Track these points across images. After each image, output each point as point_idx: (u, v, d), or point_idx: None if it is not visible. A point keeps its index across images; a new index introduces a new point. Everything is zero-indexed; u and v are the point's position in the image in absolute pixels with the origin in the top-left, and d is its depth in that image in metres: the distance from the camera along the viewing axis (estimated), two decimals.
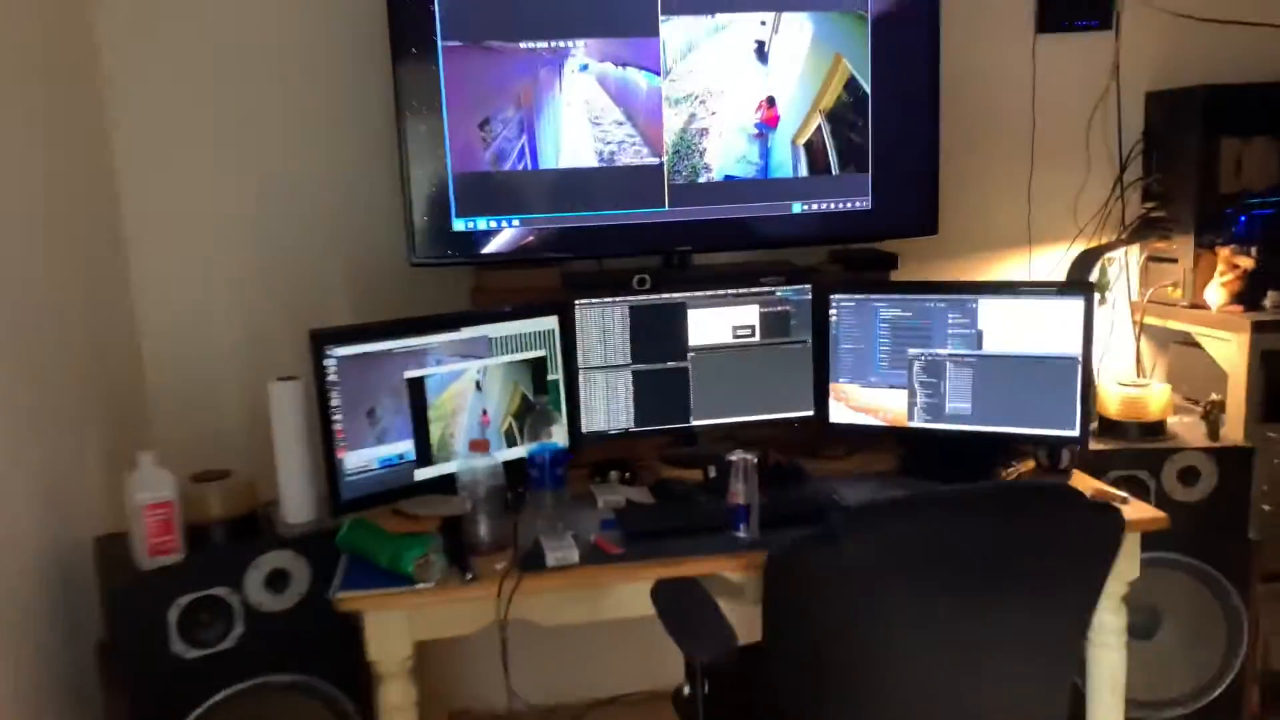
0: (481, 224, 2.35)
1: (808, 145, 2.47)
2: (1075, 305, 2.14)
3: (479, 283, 2.42)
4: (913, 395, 2.27)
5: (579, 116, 2.35)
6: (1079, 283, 2.50)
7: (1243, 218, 2.65)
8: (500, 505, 1.92)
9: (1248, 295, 2.57)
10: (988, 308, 2.21)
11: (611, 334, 2.27)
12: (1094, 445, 2.30)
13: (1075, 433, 2.16)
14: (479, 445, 1.91)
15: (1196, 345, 2.69)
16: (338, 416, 1.93)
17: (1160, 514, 1.97)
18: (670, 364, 2.30)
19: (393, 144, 2.31)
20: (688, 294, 2.30)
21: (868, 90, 2.46)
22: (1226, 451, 2.34)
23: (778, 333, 2.34)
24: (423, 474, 2.04)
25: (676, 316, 2.30)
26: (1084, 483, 2.17)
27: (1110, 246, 2.65)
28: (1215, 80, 2.61)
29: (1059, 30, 2.74)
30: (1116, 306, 2.82)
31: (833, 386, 2.34)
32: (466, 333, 2.08)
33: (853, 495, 2.08)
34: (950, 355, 2.24)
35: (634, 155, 2.38)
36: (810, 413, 2.36)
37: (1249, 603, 2.36)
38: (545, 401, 2.06)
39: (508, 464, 2.05)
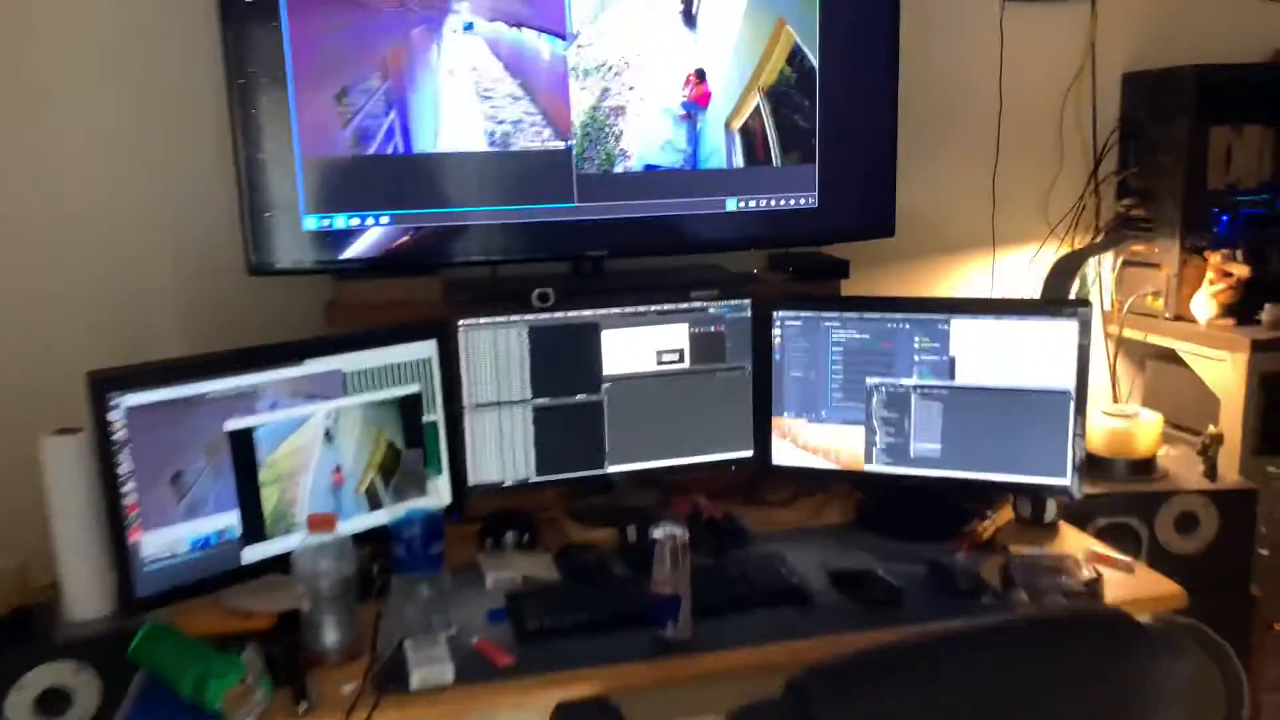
0: (340, 221, 1.87)
1: (744, 130, 2.04)
2: (1067, 328, 1.77)
3: (338, 296, 1.93)
4: (871, 434, 1.89)
5: (463, 88, 1.88)
6: (1072, 301, 2.14)
7: (1225, 217, 2.33)
8: (352, 598, 1.47)
9: (1240, 308, 2.25)
10: (962, 330, 1.83)
11: (506, 362, 1.82)
12: None
13: (1065, 481, 1.80)
14: (321, 522, 1.45)
15: (1178, 362, 2.37)
16: (129, 485, 1.44)
17: (1175, 588, 1.62)
18: (580, 398, 1.87)
19: (225, 121, 1.81)
20: (601, 311, 1.86)
21: (815, 63, 2.05)
22: (1228, 495, 2.01)
23: (711, 357, 1.92)
24: (253, 553, 1.57)
25: (588, 339, 1.86)
26: (1073, 540, 1.82)
27: (1092, 250, 2.30)
28: (1198, 60, 2.28)
29: None
30: None
31: (776, 422, 1.94)
32: (312, 366, 1.61)
33: (802, 563, 1.69)
34: (916, 386, 1.85)
35: (533, 138, 1.93)
36: (749, 453, 1.96)
37: (1250, 667, 2.04)
38: (418, 456, 1.61)
39: (373, 533, 1.61)
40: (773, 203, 2.09)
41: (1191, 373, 2.31)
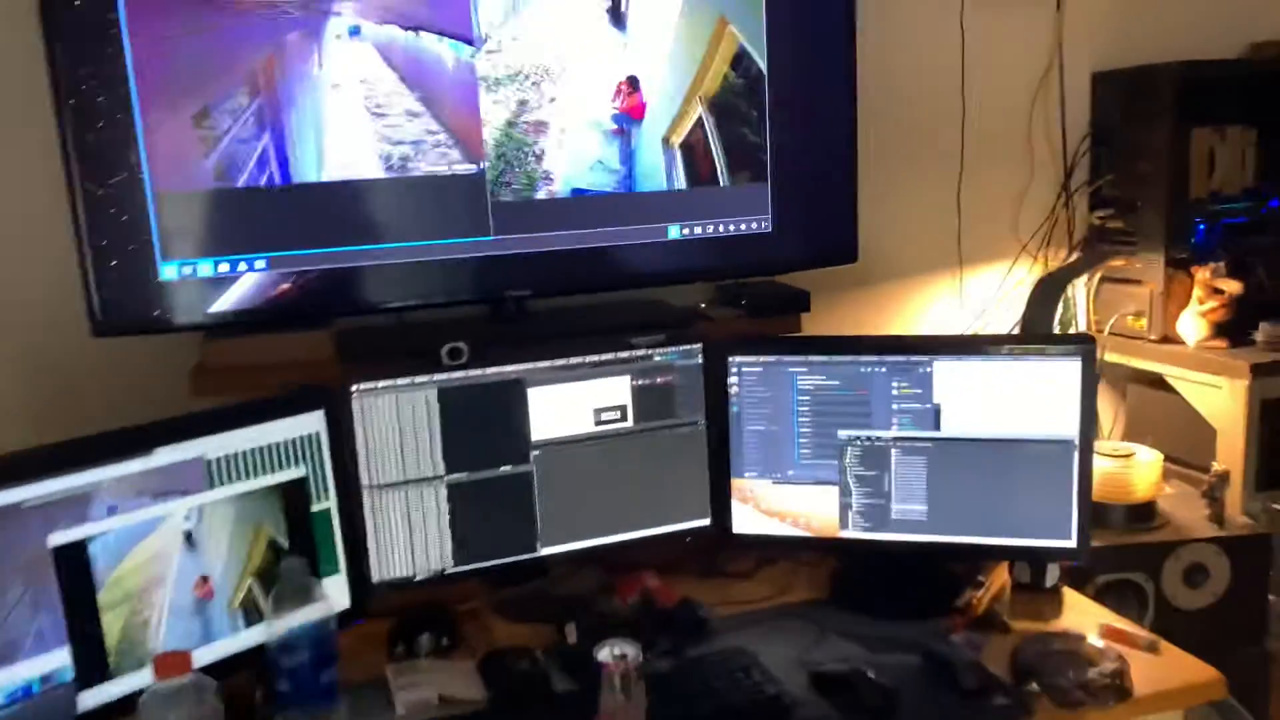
0: (206, 268, 1.55)
1: (686, 145, 1.78)
2: (1069, 368, 1.54)
3: (206, 359, 1.60)
4: (846, 495, 1.63)
5: (352, 104, 1.58)
6: (1073, 336, 1.92)
7: (1202, 227, 2.14)
8: None
9: (1230, 326, 2.06)
10: (946, 373, 1.58)
11: (413, 431, 1.52)
12: None
13: (1071, 542, 1.56)
14: (172, 664, 1.13)
15: (1164, 388, 2.17)
16: None
17: (1211, 674, 1.39)
18: (505, 470, 1.57)
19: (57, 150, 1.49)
20: (527, 365, 1.57)
21: (763, 67, 1.79)
22: (1239, 541, 1.80)
23: (658, 414, 1.65)
24: (93, 698, 1.24)
25: (511, 399, 1.57)
26: (1080, 608, 1.59)
27: (1075, 270, 2.09)
28: (1166, 57, 2.08)
29: None
30: None
31: (736, 484, 1.67)
32: (164, 456, 1.29)
33: (776, 660, 1.42)
34: (896, 439, 1.60)
35: (439, 161, 1.64)
36: (706, 521, 1.69)
37: None
38: (299, 563, 1.29)
39: (253, 653, 1.30)
40: (721, 228, 1.82)
41: (1180, 399, 2.10)
